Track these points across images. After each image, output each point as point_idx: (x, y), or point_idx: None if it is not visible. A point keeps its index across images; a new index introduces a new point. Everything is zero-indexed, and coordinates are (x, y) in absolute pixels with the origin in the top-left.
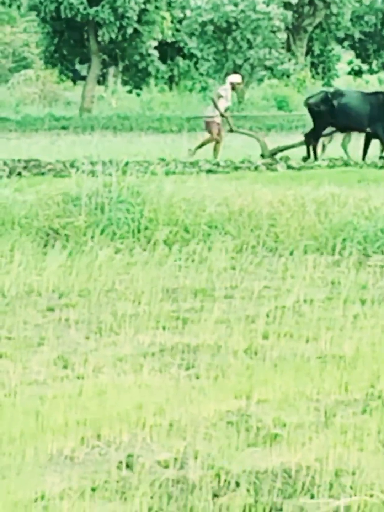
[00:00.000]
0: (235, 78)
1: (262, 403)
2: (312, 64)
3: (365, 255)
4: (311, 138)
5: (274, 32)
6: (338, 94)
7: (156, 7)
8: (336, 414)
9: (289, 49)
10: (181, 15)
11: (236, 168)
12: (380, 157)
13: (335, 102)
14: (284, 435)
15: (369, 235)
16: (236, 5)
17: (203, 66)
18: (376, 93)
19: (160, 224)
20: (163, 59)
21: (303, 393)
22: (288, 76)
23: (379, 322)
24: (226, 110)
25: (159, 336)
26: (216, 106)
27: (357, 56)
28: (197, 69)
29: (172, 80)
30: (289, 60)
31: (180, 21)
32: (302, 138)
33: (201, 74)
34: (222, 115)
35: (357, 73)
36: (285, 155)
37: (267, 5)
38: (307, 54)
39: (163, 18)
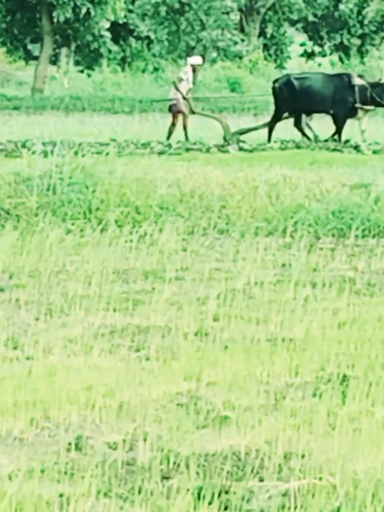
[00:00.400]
0: (196, 59)
1: (212, 386)
2: (265, 46)
3: (316, 237)
4: (271, 121)
5: (227, 13)
6: (302, 77)
7: None
8: (285, 397)
9: (242, 31)
10: None
11: (187, 150)
12: (333, 139)
13: (298, 85)
14: (234, 417)
15: (320, 218)
16: None
17: (155, 47)
18: (339, 75)
19: (111, 205)
20: (115, 40)
21: (253, 376)
22: (240, 58)
23: (329, 305)
24: (188, 92)
25: (110, 318)
26: (177, 89)
27: (310, 38)
28: (149, 50)
29: (124, 61)
30: (242, 41)
31: (132, 2)
32: (264, 120)
33: (154, 55)
34: (184, 98)
35: (310, 55)
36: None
37: None
38: (260, 36)
39: None
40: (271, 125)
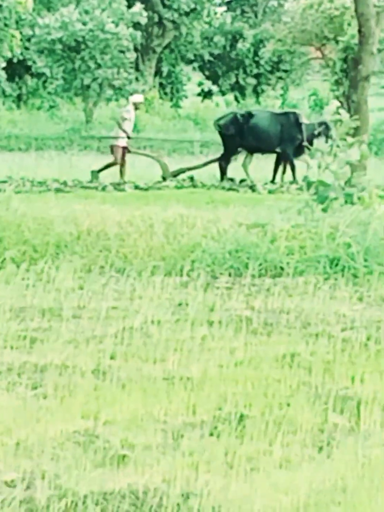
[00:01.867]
0: (137, 98)
1: (110, 424)
2: (161, 84)
3: (213, 276)
4: (222, 160)
5: (123, 52)
6: (248, 115)
7: (5, 25)
8: (183, 436)
9: (137, 69)
10: (30, 33)
11: (84, 188)
12: (291, 182)
13: (244, 123)
14: (132, 456)
15: (217, 257)
16: (85, 24)
17: (51, 84)
18: (286, 113)
19: (8, 242)
20: (11, 77)
21: (150, 414)
22: None
23: (226, 344)
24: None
25: (7, 355)
26: (121, 129)
27: (207, 77)
28: (45, 87)
29: (20, 98)
30: (137, 80)
31: (28, 39)
32: (204, 159)
33: (50, 93)
34: (129, 137)
35: (207, 94)
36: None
37: (116, 25)
38: (155, 74)
39: (13, 36)
40: (222, 164)
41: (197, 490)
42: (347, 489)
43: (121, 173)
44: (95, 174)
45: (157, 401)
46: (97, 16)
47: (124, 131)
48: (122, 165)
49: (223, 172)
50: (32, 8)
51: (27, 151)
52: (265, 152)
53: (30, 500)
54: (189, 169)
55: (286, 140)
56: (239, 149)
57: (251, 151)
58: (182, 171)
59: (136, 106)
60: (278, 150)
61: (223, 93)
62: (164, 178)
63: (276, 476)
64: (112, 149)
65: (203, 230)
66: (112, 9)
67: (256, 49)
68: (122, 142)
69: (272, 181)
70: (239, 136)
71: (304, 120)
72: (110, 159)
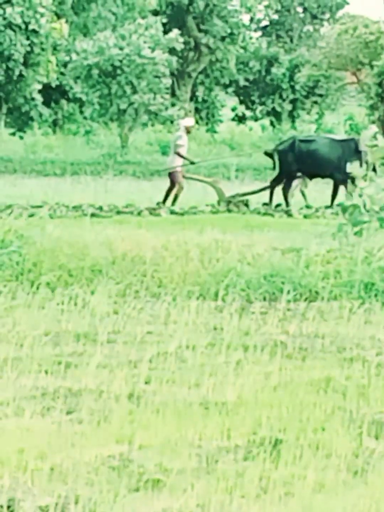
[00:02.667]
0: (188, 121)
1: (144, 448)
2: (196, 109)
3: (248, 301)
4: (283, 186)
5: (158, 77)
6: (307, 140)
7: (42, 50)
8: (218, 460)
9: (173, 94)
10: (67, 58)
11: (119, 213)
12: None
13: (303, 149)
14: (166, 481)
15: (251, 282)
16: (121, 49)
17: (87, 109)
18: (346, 140)
19: (43, 267)
20: (47, 102)
21: (185, 439)
22: (172, 122)
23: (261, 368)
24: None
25: (41, 380)
26: (180, 155)
27: (241, 102)
28: (81, 112)
29: (56, 123)
30: (173, 105)
31: (65, 65)
32: (261, 184)
33: (85, 118)
34: (192, 163)
35: (241, 119)
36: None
37: (152, 50)
38: (191, 99)
39: (49, 61)
40: (285, 190)
41: None
42: None
43: (175, 197)
44: (161, 204)
45: (191, 426)
46: (134, 41)
47: (183, 157)
48: (177, 189)
49: (286, 198)
50: (68, 33)
51: (62, 176)
52: (324, 177)
53: None
54: (245, 194)
55: (345, 166)
56: (298, 174)
57: (310, 176)
58: (238, 196)
59: (188, 130)
60: (336, 176)
61: (256, 119)
62: (219, 203)
63: (310, 501)
64: (171, 175)
65: (238, 255)
66: (148, 34)
67: (292, 74)
68: (180, 168)
69: (330, 206)
70: (298, 162)
71: (363, 147)
72: (163, 185)
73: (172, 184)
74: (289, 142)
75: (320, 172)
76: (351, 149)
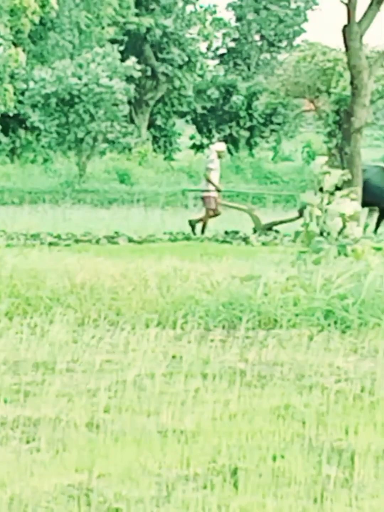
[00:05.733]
0: (220, 146)
1: (103, 477)
2: (154, 137)
3: (207, 329)
4: None
5: (116, 105)
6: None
7: None
8: (177, 489)
9: (131, 122)
10: (24, 87)
11: (77, 241)
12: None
13: None
14: (125, 509)
15: (210, 310)
16: (79, 78)
17: (45, 138)
18: None
19: (1, 296)
20: (5, 131)
21: (144, 467)
22: (129, 150)
23: (220, 396)
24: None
25: (0, 409)
26: (209, 181)
27: (199, 130)
28: (39, 141)
29: (13, 152)
30: (131, 133)
31: (22, 93)
32: (296, 213)
33: (43, 147)
34: (218, 190)
35: (199, 147)
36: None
37: (110, 79)
38: (149, 127)
39: (6, 90)
40: None
41: None
42: None
43: (203, 224)
44: (194, 232)
45: (151, 454)
46: (92, 70)
47: (213, 184)
48: (215, 215)
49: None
50: (26, 62)
51: (20, 205)
52: (374, 205)
53: None
54: (281, 222)
55: None
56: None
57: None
58: (274, 224)
59: (219, 155)
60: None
61: None
62: (255, 231)
63: None
64: (204, 201)
65: (197, 283)
66: (105, 62)
67: (249, 101)
68: (214, 193)
69: (374, 232)
70: None
71: None
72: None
73: (207, 209)
74: None
75: (372, 201)
76: None
